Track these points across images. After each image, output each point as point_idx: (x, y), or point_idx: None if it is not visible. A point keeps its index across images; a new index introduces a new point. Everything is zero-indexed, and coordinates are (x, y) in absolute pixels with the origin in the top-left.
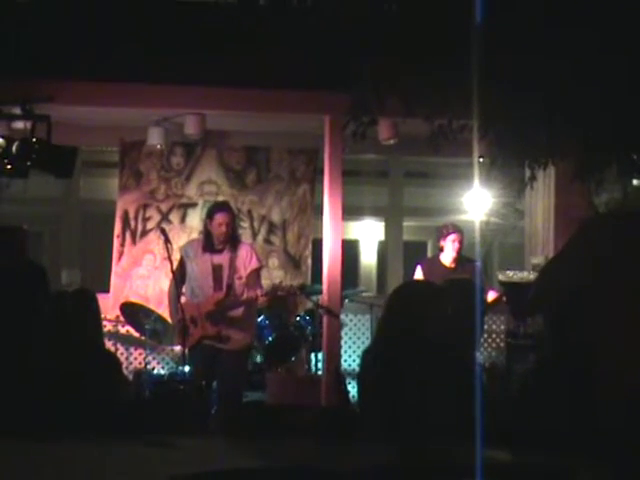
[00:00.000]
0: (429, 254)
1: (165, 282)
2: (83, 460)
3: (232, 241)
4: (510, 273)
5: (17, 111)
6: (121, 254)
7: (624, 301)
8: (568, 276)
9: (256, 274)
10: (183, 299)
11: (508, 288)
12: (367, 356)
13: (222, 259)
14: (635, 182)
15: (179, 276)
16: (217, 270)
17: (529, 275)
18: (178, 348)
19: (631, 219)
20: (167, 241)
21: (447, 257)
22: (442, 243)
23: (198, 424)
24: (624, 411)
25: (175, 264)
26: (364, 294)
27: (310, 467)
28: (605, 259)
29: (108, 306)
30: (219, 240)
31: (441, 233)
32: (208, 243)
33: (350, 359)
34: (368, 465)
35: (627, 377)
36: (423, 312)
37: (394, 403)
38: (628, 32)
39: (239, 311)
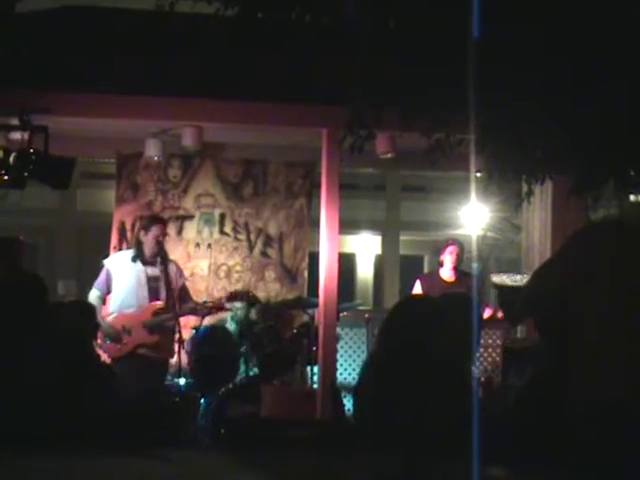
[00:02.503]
0: (426, 268)
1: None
2: (78, 473)
3: (161, 255)
4: (504, 276)
5: (15, 122)
6: None
7: (619, 308)
8: (564, 280)
9: (186, 289)
10: (109, 310)
11: (502, 291)
12: (366, 369)
13: (156, 271)
14: (632, 198)
15: (103, 287)
16: (152, 281)
17: (523, 279)
18: (174, 360)
19: (630, 229)
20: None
21: (446, 272)
22: (442, 257)
23: (193, 437)
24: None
25: (100, 276)
26: (360, 308)
27: None
28: (603, 266)
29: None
30: (152, 252)
31: (441, 247)
32: (139, 254)
33: (346, 372)
34: (364, 478)
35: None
36: (423, 327)
37: (392, 416)
38: (626, 50)
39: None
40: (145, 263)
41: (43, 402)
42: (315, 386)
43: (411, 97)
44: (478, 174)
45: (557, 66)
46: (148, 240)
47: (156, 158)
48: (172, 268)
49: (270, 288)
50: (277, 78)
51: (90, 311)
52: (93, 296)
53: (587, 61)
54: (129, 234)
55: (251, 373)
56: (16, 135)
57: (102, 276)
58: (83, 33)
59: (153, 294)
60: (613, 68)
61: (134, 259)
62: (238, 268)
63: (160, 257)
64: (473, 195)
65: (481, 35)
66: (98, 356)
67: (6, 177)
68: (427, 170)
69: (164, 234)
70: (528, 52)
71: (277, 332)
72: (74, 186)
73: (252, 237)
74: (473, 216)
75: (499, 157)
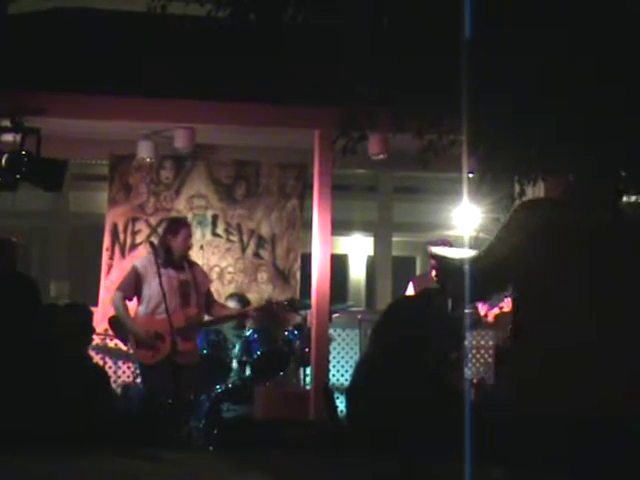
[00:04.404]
0: (418, 269)
1: None
2: (70, 475)
3: (187, 258)
4: (445, 248)
5: (7, 124)
6: (110, 267)
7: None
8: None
9: (211, 293)
10: (140, 314)
11: (443, 264)
12: (360, 369)
13: (187, 276)
14: (624, 199)
15: (129, 289)
16: (184, 286)
17: (466, 252)
18: None
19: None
20: (156, 255)
21: None
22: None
23: (186, 438)
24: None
25: (128, 277)
26: (353, 309)
27: None
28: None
29: (97, 319)
30: (182, 255)
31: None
32: (168, 259)
33: (338, 374)
34: (358, 478)
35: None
36: (417, 326)
37: (387, 416)
38: (623, 49)
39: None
40: (175, 267)
41: (36, 404)
42: (308, 387)
43: (404, 98)
44: (470, 175)
45: (551, 67)
46: (177, 242)
47: (148, 160)
48: (199, 272)
49: (262, 289)
50: (269, 79)
51: (86, 314)
52: (118, 297)
53: (582, 62)
54: (121, 235)
55: (244, 374)
56: (8, 137)
57: (130, 279)
58: (75, 35)
59: (185, 300)
60: (609, 69)
61: (164, 264)
62: (230, 269)
63: (187, 261)
64: (465, 196)
65: (474, 36)
66: (90, 358)
67: None
68: (419, 171)
69: (191, 235)
70: (521, 53)
71: (270, 334)
72: (66, 188)
73: (244, 238)
74: (465, 217)
75: (491, 158)
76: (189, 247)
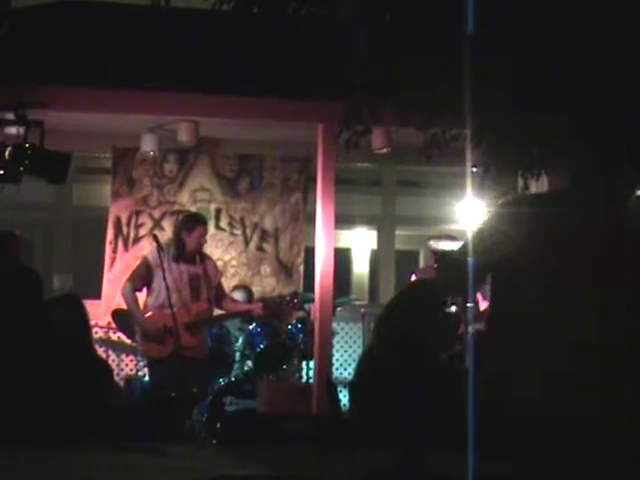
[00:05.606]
0: (421, 263)
1: None
2: (73, 468)
3: (200, 253)
4: (446, 243)
5: (10, 116)
6: (113, 260)
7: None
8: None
9: (222, 286)
10: (148, 307)
11: (445, 260)
12: (363, 362)
13: (198, 270)
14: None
15: (139, 281)
16: (195, 281)
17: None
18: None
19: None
20: (159, 248)
21: None
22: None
23: (188, 432)
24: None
25: (139, 268)
26: (356, 303)
27: (302, 475)
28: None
29: (100, 312)
30: (195, 251)
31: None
32: (180, 253)
33: (342, 367)
34: (360, 473)
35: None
36: (421, 319)
37: (389, 410)
38: (625, 42)
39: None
40: (186, 261)
41: (38, 397)
42: (311, 381)
43: (407, 92)
44: (474, 169)
45: (554, 63)
46: (191, 239)
47: (152, 153)
48: (210, 265)
49: (266, 283)
50: (273, 73)
51: (77, 303)
52: (128, 289)
53: (584, 57)
54: (125, 229)
55: (247, 368)
56: (12, 130)
57: (141, 270)
58: (79, 27)
59: (195, 294)
60: (611, 64)
61: (176, 258)
62: (234, 263)
63: (199, 255)
64: (469, 190)
65: (476, 31)
66: (94, 350)
67: (2, 172)
68: (423, 165)
69: (206, 233)
70: (524, 48)
71: (273, 327)
72: (70, 181)
73: (248, 232)
74: (469, 211)
75: (495, 152)
76: (202, 244)
